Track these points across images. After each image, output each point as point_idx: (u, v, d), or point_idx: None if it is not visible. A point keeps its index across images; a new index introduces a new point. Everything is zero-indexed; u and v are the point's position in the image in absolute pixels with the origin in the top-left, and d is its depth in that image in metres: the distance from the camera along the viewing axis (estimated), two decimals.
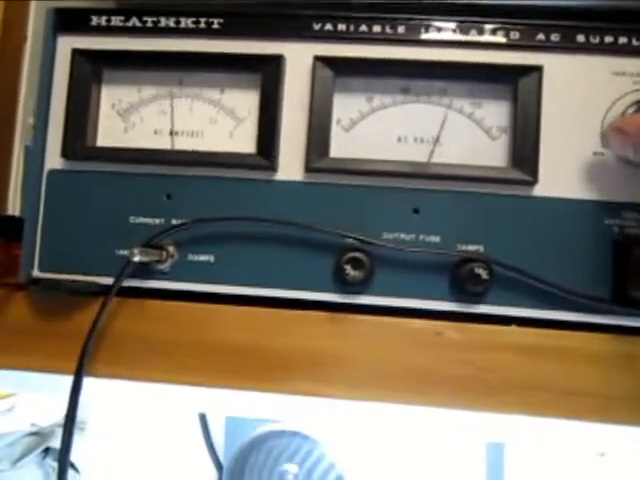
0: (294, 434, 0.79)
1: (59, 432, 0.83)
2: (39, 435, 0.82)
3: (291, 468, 0.79)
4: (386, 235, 0.35)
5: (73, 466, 0.82)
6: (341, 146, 0.36)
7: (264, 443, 0.80)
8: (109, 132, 0.38)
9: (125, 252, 0.36)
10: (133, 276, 0.36)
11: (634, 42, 0.35)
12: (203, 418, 0.83)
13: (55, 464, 0.82)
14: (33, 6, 0.39)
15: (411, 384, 0.35)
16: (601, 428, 0.34)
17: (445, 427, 0.39)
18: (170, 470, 0.86)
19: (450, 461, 0.80)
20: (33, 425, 0.82)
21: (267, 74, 0.36)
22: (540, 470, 0.81)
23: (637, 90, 0.35)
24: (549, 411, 0.34)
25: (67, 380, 0.36)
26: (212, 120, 0.37)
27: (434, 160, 0.36)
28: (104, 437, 0.86)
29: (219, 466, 0.85)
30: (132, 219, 0.37)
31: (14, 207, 0.41)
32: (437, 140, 0.36)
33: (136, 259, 0.34)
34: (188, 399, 0.41)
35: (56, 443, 0.82)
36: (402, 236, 0.35)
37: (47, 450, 0.84)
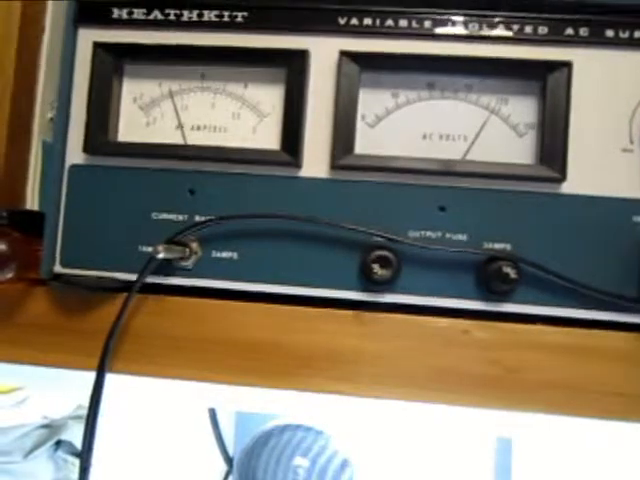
0: (304, 428, 0.79)
1: (70, 425, 0.83)
2: (50, 428, 0.83)
3: (301, 462, 0.79)
4: (412, 233, 0.35)
5: None
6: (366, 143, 0.36)
7: (274, 437, 0.80)
8: (131, 127, 0.38)
9: (148, 249, 0.36)
10: (155, 273, 0.36)
11: None
12: (213, 412, 0.83)
13: (66, 456, 0.83)
14: None
15: (437, 383, 0.34)
16: (626, 427, 0.34)
17: (466, 424, 0.38)
18: (180, 463, 0.86)
19: (459, 455, 0.80)
20: (45, 418, 0.82)
21: (292, 69, 0.36)
22: (548, 465, 0.81)
23: None
24: (575, 410, 0.34)
25: (78, 375, 0.36)
26: (235, 115, 0.37)
27: (460, 157, 0.35)
28: (114, 430, 0.86)
29: (229, 460, 0.85)
30: (155, 215, 0.37)
31: (32, 202, 0.41)
32: (463, 137, 0.35)
33: (161, 256, 0.33)
34: (208, 396, 0.41)
35: (67, 435, 0.82)
36: (428, 234, 0.35)
37: (58, 443, 0.84)
